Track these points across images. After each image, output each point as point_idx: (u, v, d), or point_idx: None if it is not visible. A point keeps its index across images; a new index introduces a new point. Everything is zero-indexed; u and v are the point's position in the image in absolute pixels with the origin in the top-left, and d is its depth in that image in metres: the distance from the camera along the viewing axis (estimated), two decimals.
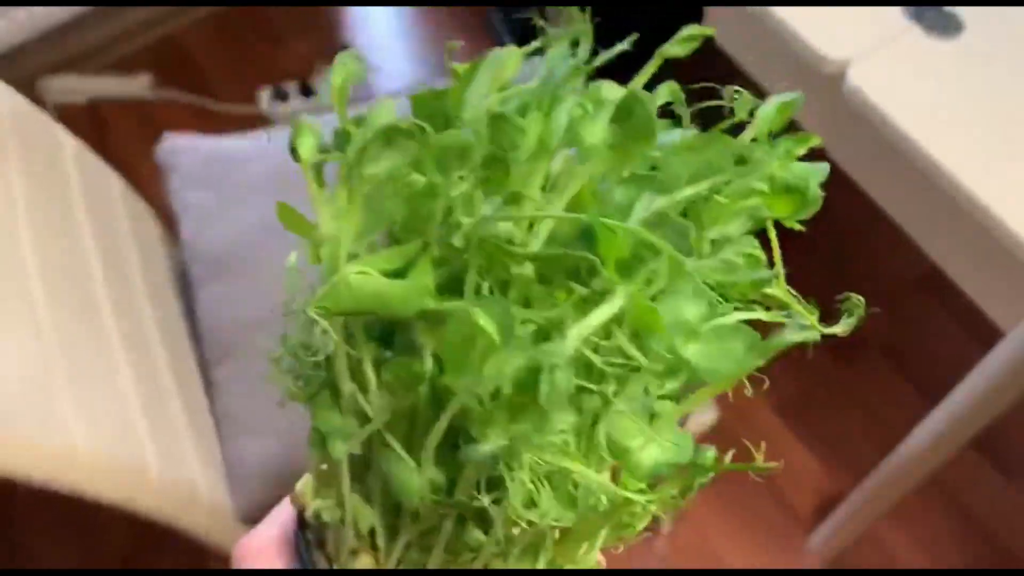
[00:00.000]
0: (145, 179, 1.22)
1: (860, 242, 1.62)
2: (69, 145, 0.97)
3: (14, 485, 0.66)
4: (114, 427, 0.79)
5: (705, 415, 1.11)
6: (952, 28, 0.94)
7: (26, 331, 0.78)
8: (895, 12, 0.94)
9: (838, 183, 1.12)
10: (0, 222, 0.81)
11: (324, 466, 0.31)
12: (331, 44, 1.91)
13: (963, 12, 0.95)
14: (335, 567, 0.31)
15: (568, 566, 0.30)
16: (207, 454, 0.93)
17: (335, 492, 0.31)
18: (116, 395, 0.83)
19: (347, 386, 0.28)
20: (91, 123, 1.74)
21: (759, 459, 0.29)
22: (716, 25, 1.08)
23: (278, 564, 0.33)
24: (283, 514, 0.34)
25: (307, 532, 0.32)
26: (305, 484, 0.33)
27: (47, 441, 0.71)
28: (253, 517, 0.92)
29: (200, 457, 0.90)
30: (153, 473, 0.81)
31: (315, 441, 0.30)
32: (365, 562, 0.30)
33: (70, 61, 1.77)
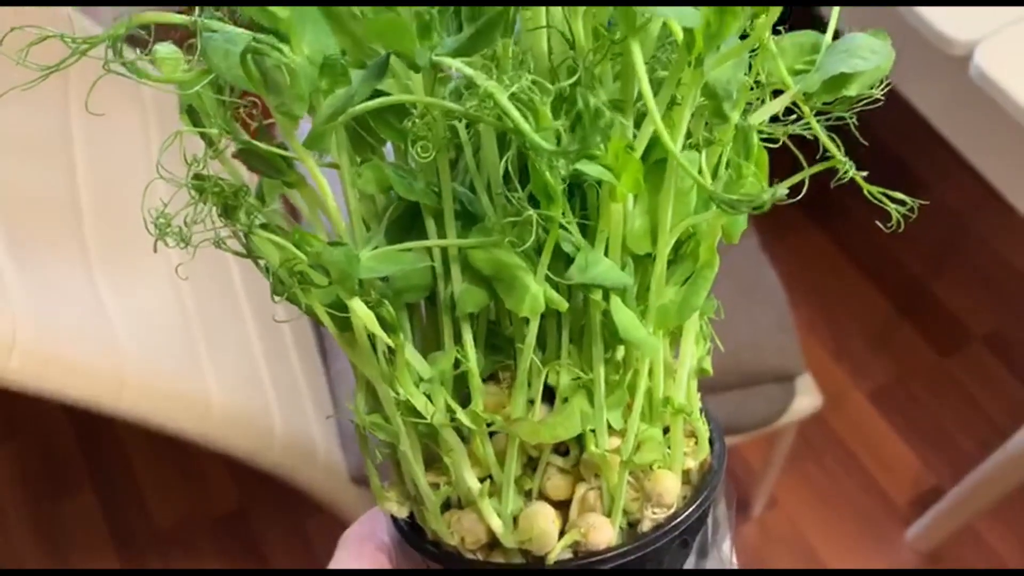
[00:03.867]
0: None
1: (968, 229, 1.57)
2: None
3: (131, 439, 0.68)
4: (243, 380, 0.82)
5: (806, 400, 1.10)
6: None
7: (166, 286, 0.82)
8: None
9: (948, 170, 1.09)
10: (141, 179, 0.85)
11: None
12: None
13: None
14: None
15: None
16: (323, 413, 0.96)
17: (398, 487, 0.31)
18: (245, 350, 0.86)
19: None
20: None
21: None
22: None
23: (368, 554, 0.32)
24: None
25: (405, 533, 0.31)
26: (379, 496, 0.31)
27: (183, 387, 0.74)
28: (364, 477, 0.95)
29: (317, 415, 0.94)
30: (276, 427, 0.84)
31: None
32: (471, 517, 0.29)
33: None
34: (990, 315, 1.50)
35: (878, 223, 0.27)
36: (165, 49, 0.25)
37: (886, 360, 1.50)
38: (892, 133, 1.61)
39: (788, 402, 1.07)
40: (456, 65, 0.21)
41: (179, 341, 0.77)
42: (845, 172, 0.25)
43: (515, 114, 0.21)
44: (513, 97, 0.21)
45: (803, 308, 1.51)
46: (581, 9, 0.24)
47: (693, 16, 0.22)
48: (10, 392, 0.63)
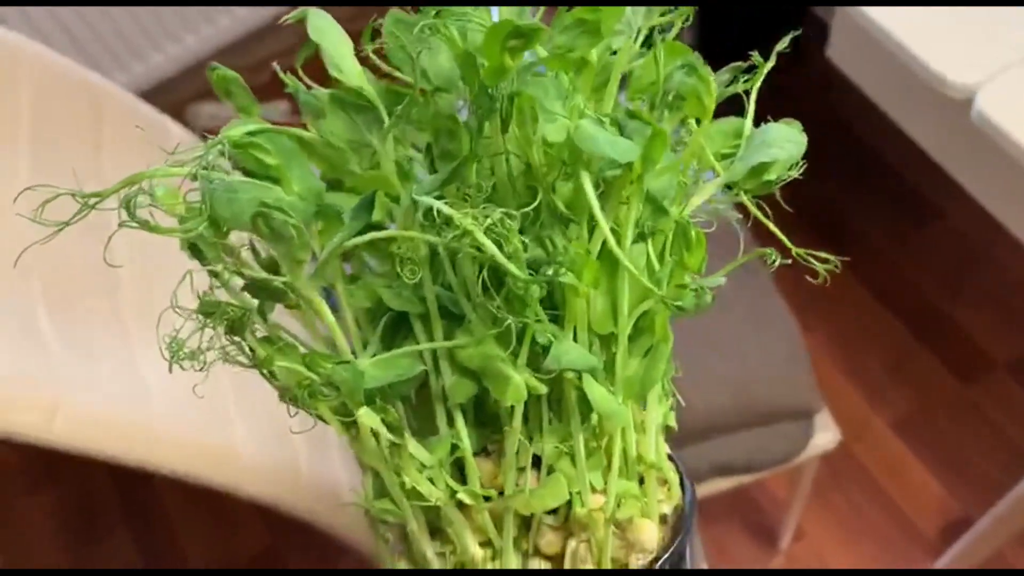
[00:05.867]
0: None
1: (985, 255, 1.59)
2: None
3: (164, 482, 0.72)
4: (270, 429, 0.86)
5: (826, 435, 1.11)
6: None
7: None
8: (1022, 36, 0.94)
9: (963, 195, 1.11)
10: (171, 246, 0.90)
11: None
12: None
13: None
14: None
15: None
16: (349, 457, 1.00)
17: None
18: (271, 400, 0.90)
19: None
20: None
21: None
22: (838, 48, 1.10)
23: None
24: None
25: None
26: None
27: (212, 440, 0.78)
28: None
29: (343, 460, 0.97)
30: (303, 473, 0.88)
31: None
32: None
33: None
34: (1011, 341, 1.52)
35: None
36: (162, 189, 0.29)
37: (906, 388, 1.52)
38: (906, 159, 1.64)
39: (806, 439, 1.09)
40: (436, 205, 0.27)
41: (210, 397, 0.81)
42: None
43: (493, 249, 0.26)
44: (488, 229, 0.26)
45: (820, 338, 1.53)
46: (537, 139, 0.29)
47: (632, 151, 0.27)
48: None
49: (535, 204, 0.28)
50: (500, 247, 0.26)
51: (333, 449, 0.97)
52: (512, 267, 0.26)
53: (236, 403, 0.85)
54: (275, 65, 0.35)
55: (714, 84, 0.30)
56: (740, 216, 0.34)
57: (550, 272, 0.28)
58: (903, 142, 1.13)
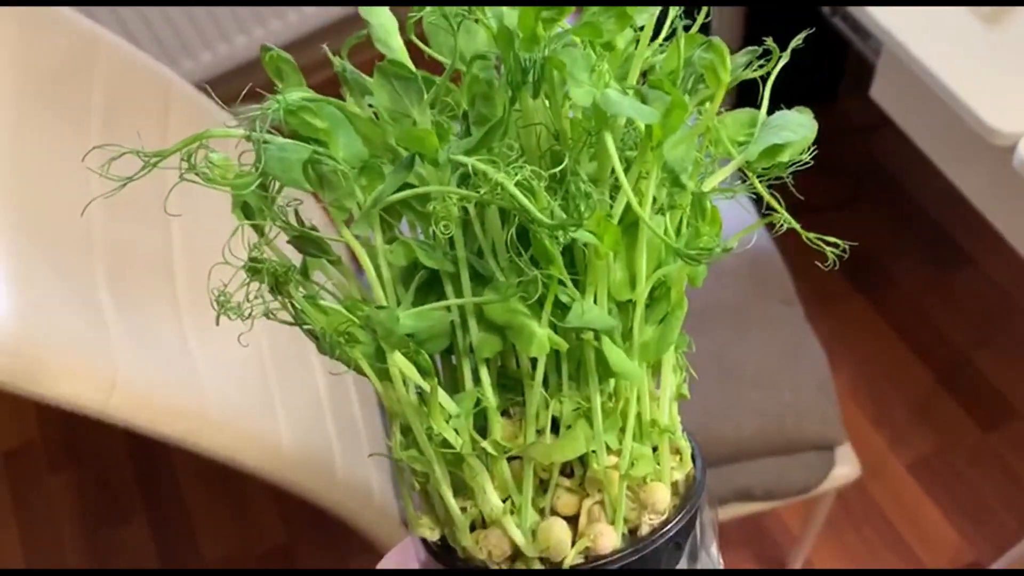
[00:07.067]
0: None
1: (1014, 304, 1.60)
2: None
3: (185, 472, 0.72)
4: (310, 425, 0.89)
5: (846, 468, 1.13)
6: None
7: (245, 337, 0.88)
8: None
9: (995, 244, 1.12)
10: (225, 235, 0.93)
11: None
12: None
13: None
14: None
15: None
16: (379, 457, 1.02)
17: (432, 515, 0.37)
18: (313, 397, 0.93)
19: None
20: None
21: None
22: (882, 88, 1.11)
23: None
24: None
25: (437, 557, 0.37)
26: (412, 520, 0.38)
27: (259, 429, 0.81)
28: None
29: (375, 460, 0.99)
30: (338, 469, 0.90)
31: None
32: (496, 533, 0.35)
33: (263, 89, 1.95)
34: None
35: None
36: (217, 156, 0.32)
37: (927, 431, 1.53)
38: (939, 207, 1.65)
39: (827, 471, 1.11)
40: (472, 163, 0.29)
41: (256, 387, 0.84)
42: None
43: (522, 199, 0.29)
44: (517, 184, 0.29)
45: (844, 375, 1.55)
46: (565, 108, 0.32)
47: (652, 114, 0.30)
48: (72, 423, 0.69)
49: (561, 167, 0.30)
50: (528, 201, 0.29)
51: (366, 449, 0.99)
52: (539, 213, 0.28)
53: (281, 398, 0.87)
54: (324, 46, 0.37)
55: (729, 57, 0.32)
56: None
57: (574, 230, 0.29)
58: (939, 185, 1.15)
